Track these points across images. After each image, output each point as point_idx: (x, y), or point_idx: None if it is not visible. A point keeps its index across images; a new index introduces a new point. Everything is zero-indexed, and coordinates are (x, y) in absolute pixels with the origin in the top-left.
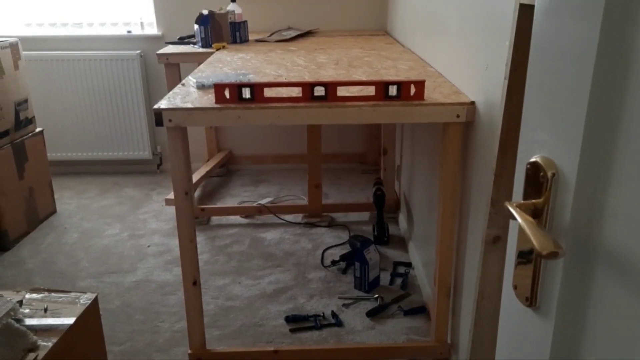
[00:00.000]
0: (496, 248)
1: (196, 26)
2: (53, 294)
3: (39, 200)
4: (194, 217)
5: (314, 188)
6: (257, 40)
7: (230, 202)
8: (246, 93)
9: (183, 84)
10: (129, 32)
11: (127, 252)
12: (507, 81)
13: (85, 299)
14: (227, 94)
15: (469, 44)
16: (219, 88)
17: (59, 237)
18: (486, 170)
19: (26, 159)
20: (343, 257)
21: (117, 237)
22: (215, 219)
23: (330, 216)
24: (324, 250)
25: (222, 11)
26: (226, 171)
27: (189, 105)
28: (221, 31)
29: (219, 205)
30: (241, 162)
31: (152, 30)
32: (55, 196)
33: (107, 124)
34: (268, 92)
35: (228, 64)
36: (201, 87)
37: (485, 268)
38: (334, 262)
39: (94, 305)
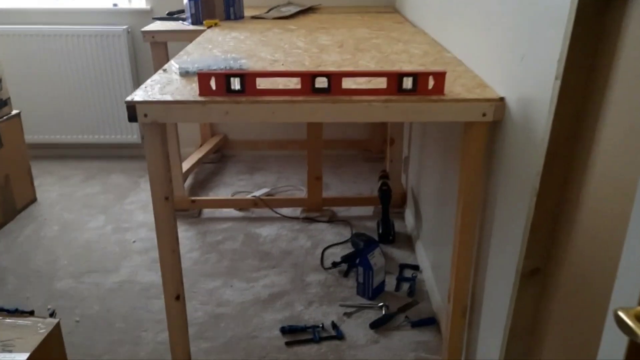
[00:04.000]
0: (533, 282)
1: (186, 0)
2: (7, 320)
3: (16, 189)
4: (175, 224)
5: (314, 180)
6: (254, 17)
7: (223, 192)
8: (235, 84)
9: (164, 70)
10: (115, 5)
11: (110, 248)
12: (559, 82)
13: (45, 325)
14: (212, 84)
15: (499, 28)
16: (203, 77)
17: (38, 229)
18: (517, 182)
19: (0, 145)
20: (345, 259)
21: (100, 231)
22: (207, 212)
23: (331, 210)
24: (324, 250)
25: None
26: (220, 157)
27: (168, 98)
28: (213, 6)
29: (211, 196)
30: (236, 147)
31: (141, 3)
32: (36, 182)
33: (92, 105)
34: (261, 83)
35: (219, 45)
36: (185, 73)
37: (518, 304)
38: (334, 264)
39: (55, 333)
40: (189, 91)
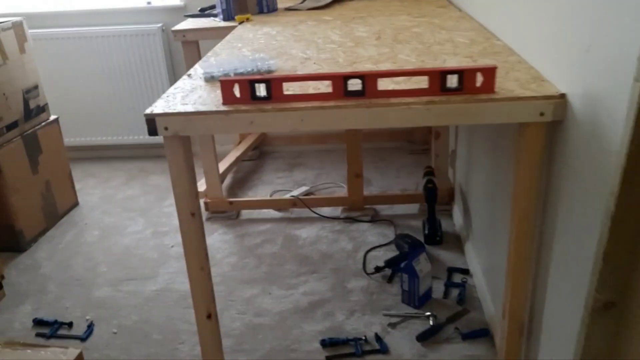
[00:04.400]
0: (607, 316)
1: None
2: (28, 350)
3: (57, 194)
4: (204, 240)
5: (354, 177)
6: (287, 9)
7: (262, 191)
8: (261, 90)
9: (189, 75)
10: (148, 3)
11: (149, 254)
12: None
13: (66, 356)
14: (236, 91)
15: (558, 11)
16: (226, 85)
17: (79, 235)
18: (584, 196)
19: (40, 151)
20: (388, 263)
21: (139, 235)
22: (245, 213)
23: (373, 209)
24: (366, 252)
25: None
26: (259, 154)
27: (189, 108)
28: (245, 0)
29: (250, 195)
30: (275, 143)
31: (174, 0)
32: (78, 186)
33: (130, 105)
34: (289, 88)
35: (249, 43)
36: (210, 79)
37: (589, 342)
38: (377, 269)
39: None
40: (213, 99)
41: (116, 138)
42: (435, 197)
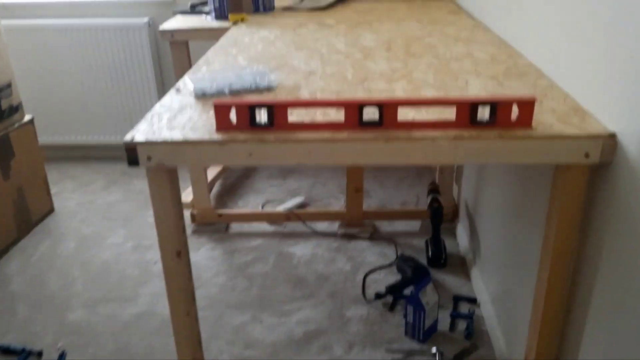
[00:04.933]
0: None
1: None
2: None
3: (31, 200)
4: (191, 280)
5: (354, 192)
6: (286, 9)
7: (253, 200)
8: (261, 116)
9: (178, 90)
10: None
11: (129, 270)
12: None
13: None
14: (233, 117)
15: (601, 26)
16: (221, 110)
17: (54, 246)
18: (631, 245)
19: (12, 155)
20: (390, 289)
21: (119, 248)
22: (235, 225)
23: (372, 225)
24: (366, 275)
25: None
26: None
27: (177, 135)
28: None
29: (240, 205)
30: None
31: None
32: (55, 189)
33: (113, 103)
34: (293, 112)
35: (245, 49)
36: (201, 95)
37: None
38: (378, 296)
39: None
40: (205, 123)
41: (97, 138)
42: (441, 217)
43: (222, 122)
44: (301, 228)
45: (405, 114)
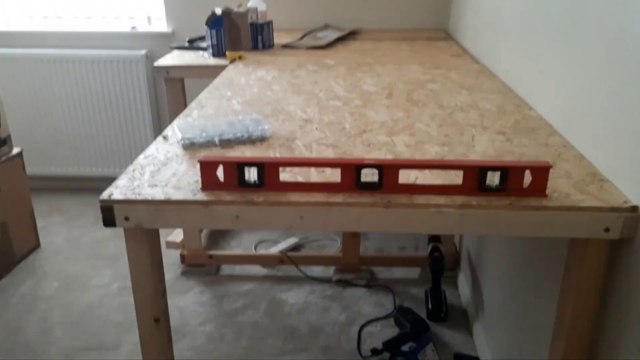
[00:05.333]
0: None
1: (206, 28)
2: None
3: (15, 236)
4: (171, 349)
5: (351, 237)
6: (285, 46)
7: (247, 240)
8: (251, 175)
9: (165, 137)
10: (133, 28)
11: (112, 316)
12: None
13: None
14: (220, 174)
15: (619, 81)
16: (207, 168)
17: (36, 286)
18: None
19: None
20: (387, 345)
21: (104, 290)
22: (226, 267)
23: (369, 271)
24: (362, 327)
25: (241, 9)
26: None
27: (158, 193)
28: (239, 35)
29: (232, 245)
30: None
31: (161, 26)
32: (42, 223)
33: (105, 135)
34: (287, 171)
35: (240, 92)
36: (189, 145)
37: None
38: (374, 351)
39: None
40: (190, 179)
41: (89, 170)
42: (442, 268)
43: (208, 181)
44: (295, 272)
45: (407, 175)
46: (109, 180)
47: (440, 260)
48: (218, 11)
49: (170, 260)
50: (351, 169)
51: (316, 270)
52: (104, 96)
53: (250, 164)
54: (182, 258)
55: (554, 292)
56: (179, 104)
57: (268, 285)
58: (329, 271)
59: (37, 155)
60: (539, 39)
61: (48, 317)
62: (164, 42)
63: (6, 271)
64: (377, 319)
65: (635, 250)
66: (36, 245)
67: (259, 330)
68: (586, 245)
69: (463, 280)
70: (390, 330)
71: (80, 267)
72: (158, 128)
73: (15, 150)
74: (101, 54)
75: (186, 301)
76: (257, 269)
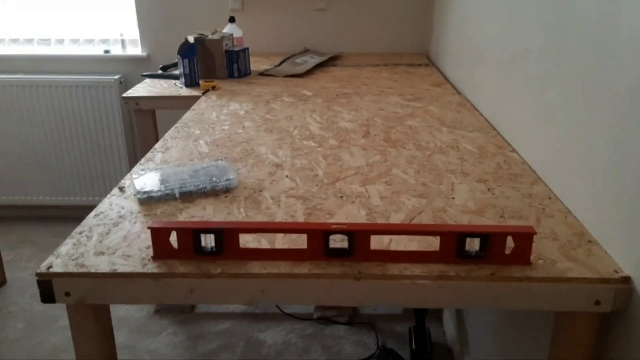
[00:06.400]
0: None
1: (179, 57)
2: None
3: None
4: None
5: None
6: (262, 74)
7: None
8: (208, 242)
9: (121, 189)
10: (106, 51)
11: None
12: None
13: None
14: (173, 241)
15: (608, 130)
16: (158, 235)
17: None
18: None
19: None
20: None
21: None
22: (202, 306)
23: (351, 307)
24: None
25: (216, 36)
26: None
27: (102, 264)
28: (213, 63)
29: None
30: None
31: (136, 50)
32: (9, 257)
33: (79, 163)
34: (246, 240)
35: (209, 130)
36: (146, 200)
37: None
38: None
39: None
40: (141, 244)
41: (61, 199)
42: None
43: (160, 249)
44: (273, 309)
45: (380, 239)
46: (82, 208)
47: None
48: (191, 39)
49: None
50: (319, 235)
51: (296, 307)
52: (76, 122)
53: (208, 230)
54: None
55: (543, 334)
56: (150, 135)
57: (246, 323)
58: (309, 308)
59: (5, 182)
60: (519, 77)
61: None
62: (139, 66)
63: None
64: None
65: (627, 323)
66: (2, 281)
67: None
68: (574, 317)
69: (447, 317)
70: None
71: (47, 306)
72: (133, 154)
73: None
74: (73, 79)
75: (157, 343)
76: (234, 306)
